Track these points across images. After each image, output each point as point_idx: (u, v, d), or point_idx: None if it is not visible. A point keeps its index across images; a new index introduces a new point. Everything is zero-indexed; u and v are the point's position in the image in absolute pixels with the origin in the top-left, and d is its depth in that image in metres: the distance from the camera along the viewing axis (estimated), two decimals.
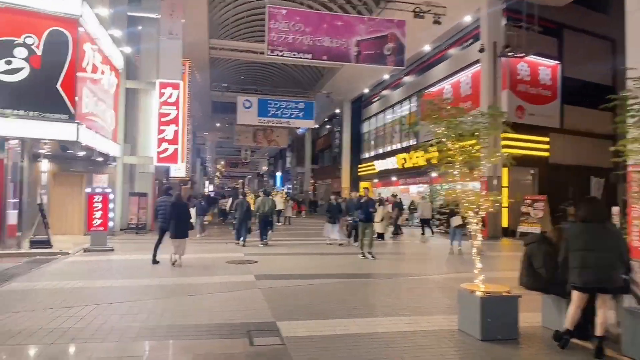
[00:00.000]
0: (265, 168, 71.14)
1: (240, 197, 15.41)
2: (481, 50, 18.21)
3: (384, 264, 10.28)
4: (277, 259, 10.88)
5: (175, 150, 17.89)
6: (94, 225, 11.70)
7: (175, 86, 17.82)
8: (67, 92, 11.16)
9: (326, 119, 41.69)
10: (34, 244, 10.94)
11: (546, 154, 18.84)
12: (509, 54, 17.59)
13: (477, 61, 19.21)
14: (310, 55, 17.48)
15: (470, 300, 5.08)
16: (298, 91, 35.90)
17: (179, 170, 23.01)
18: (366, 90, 32.42)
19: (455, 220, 14.11)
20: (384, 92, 30.74)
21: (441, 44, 22.83)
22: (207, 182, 61.63)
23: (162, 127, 17.65)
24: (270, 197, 15.51)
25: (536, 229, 16.12)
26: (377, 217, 13.18)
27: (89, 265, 9.42)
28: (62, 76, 11.12)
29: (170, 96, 17.73)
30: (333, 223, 14.09)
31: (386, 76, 28.54)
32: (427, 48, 23.35)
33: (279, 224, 21.86)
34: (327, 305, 6.32)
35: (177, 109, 17.91)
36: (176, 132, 17.88)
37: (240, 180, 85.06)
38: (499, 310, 4.99)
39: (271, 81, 38.77)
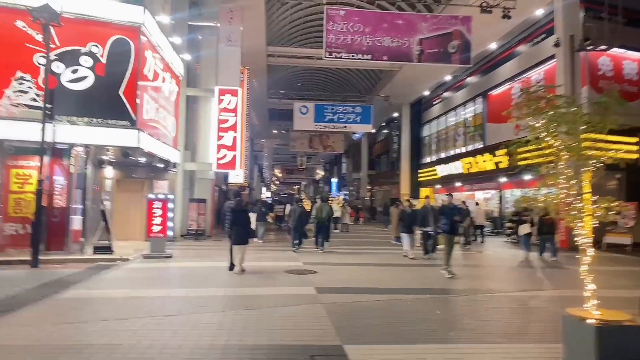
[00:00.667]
0: (321, 174, 70.94)
1: (294, 204, 15.01)
2: (556, 45, 16.81)
3: (457, 279, 9.26)
4: (337, 270, 10.21)
5: (234, 156, 17.90)
6: (154, 231, 11.66)
7: (234, 93, 17.84)
8: (129, 99, 11.26)
9: (383, 123, 40.71)
10: (96, 249, 11.00)
11: (635, 155, 16.94)
12: (589, 47, 16.06)
13: (552, 57, 17.81)
14: (369, 56, 16.86)
15: (580, 330, 4.17)
16: (355, 96, 35.33)
17: (237, 176, 23.18)
18: (426, 93, 31.28)
19: (523, 229, 12.97)
20: (446, 94, 29.47)
21: (509, 40, 21.47)
22: (264, 189, 62.32)
23: (221, 134, 17.72)
24: (328, 203, 15.00)
25: (626, 240, 14.51)
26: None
27: (146, 273, 9.25)
28: (124, 83, 11.24)
29: (229, 103, 17.78)
30: (409, 233, 12.75)
31: (448, 77, 27.35)
32: (493, 46, 22.08)
33: (336, 231, 21.31)
34: (398, 327, 5.59)
35: (236, 115, 17.94)
36: (235, 138, 17.91)
37: (296, 187, 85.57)
38: (621, 344, 4.03)
39: (328, 86, 38.50)
